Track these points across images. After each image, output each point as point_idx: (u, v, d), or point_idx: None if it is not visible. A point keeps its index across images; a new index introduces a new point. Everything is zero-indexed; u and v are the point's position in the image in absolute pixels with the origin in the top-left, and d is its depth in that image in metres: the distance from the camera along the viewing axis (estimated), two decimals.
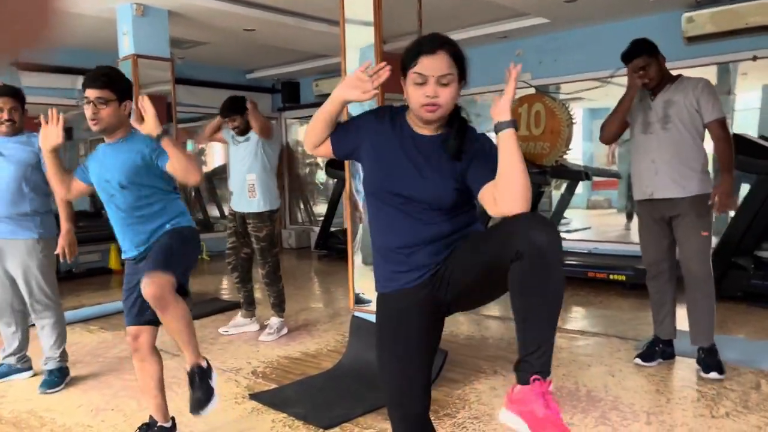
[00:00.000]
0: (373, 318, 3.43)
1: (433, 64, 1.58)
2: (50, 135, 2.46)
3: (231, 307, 5.12)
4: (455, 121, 1.67)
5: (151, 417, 2.60)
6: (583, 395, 3.06)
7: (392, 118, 1.74)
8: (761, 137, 5.31)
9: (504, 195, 1.51)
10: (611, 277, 5.40)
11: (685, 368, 3.38)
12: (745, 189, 5.93)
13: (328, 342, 4.17)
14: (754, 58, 5.35)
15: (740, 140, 4.45)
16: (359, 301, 3.53)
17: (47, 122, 2.46)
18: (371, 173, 1.73)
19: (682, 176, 3.22)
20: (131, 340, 2.51)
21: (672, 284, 3.43)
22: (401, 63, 1.65)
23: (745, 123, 7.07)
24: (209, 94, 7.79)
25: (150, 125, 2.36)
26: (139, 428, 2.63)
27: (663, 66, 3.28)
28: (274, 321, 4.36)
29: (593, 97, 7.56)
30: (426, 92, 1.59)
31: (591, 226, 9.01)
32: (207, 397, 2.41)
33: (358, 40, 3.43)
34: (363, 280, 3.49)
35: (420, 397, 1.76)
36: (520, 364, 1.46)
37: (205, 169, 9.55)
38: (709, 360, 3.24)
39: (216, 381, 2.50)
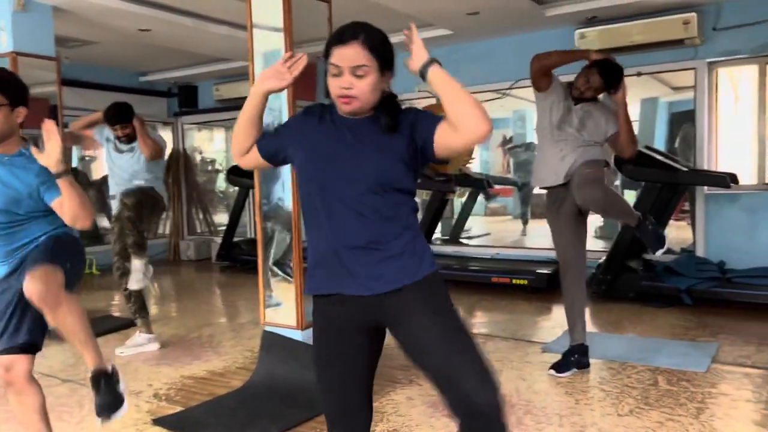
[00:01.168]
0: (285, 332, 3.32)
1: (345, 55, 1.55)
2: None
3: (126, 325, 4.78)
4: (385, 103, 1.63)
5: (99, 367, 2.32)
6: None
7: (322, 113, 1.69)
8: (646, 147, 5.69)
9: (462, 116, 1.48)
10: (514, 281, 5.57)
11: (591, 369, 3.52)
12: (632, 196, 6.35)
13: (236, 359, 3.98)
14: (639, 74, 5.74)
15: None
16: (270, 313, 3.40)
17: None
18: (306, 171, 1.65)
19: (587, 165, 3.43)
20: (3, 372, 2.20)
21: (579, 281, 3.54)
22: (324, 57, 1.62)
23: None
24: (99, 97, 7.28)
25: (52, 158, 2.02)
26: (92, 381, 2.33)
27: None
28: (138, 264, 4.09)
29: (492, 108, 7.81)
30: (341, 84, 1.56)
31: (490, 232, 9.30)
32: (116, 403, 2.21)
33: (266, 45, 3.33)
34: (276, 293, 3.36)
35: (364, 412, 1.70)
36: None
37: (94, 177, 8.94)
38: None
39: (125, 389, 2.32)
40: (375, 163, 1.58)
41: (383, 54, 1.59)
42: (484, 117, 1.47)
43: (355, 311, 1.62)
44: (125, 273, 4.16)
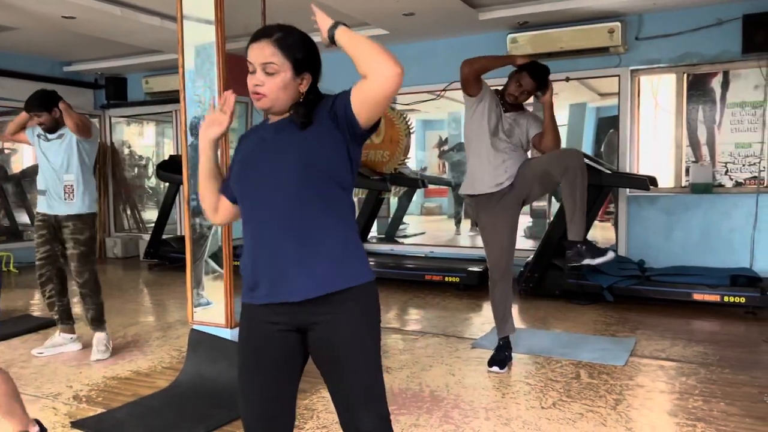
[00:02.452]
0: (213, 330, 3.26)
1: (255, 52, 1.58)
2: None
3: (45, 324, 4.56)
4: (303, 100, 1.61)
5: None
6: (427, 396, 3.15)
7: (251, 132, 1.72)
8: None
9: (370, 66, 1.45)
10: (446, 279, 5.66)
11: (516, 363, 3.63)
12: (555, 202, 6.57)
13: (162, 358, 3.87)
14: (567, 79, 5.95)
15: None
16: (199, 311, 3.32)
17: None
18: (235, 177, 1.65)
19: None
20: None
21: (510, 281, 3.63)
22: None
23: None
24: (18, 86, 6.94)
25: None
26: None
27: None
28: (101, 336, 3.94)
29: (427, 109, 7.92)
30: (253, 80, 1.58)
31: (425, 231, 9.42)
32: None
33: (197, 37, 3.24)
34: (206, 290, 3.29)
35: (287, 419, 1.67)
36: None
37: (14, 170, 8.50)
38: (594, 248, 3.48)
39: None
40: (295, 157, 1.55)
41: (297, 54, 1.57)
42: (391, 58, 1.44)
43: (280, 315, 1.59)
44: (50, 281, 3.95)
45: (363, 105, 1.51)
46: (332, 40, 1.54)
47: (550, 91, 3.50)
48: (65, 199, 3.87)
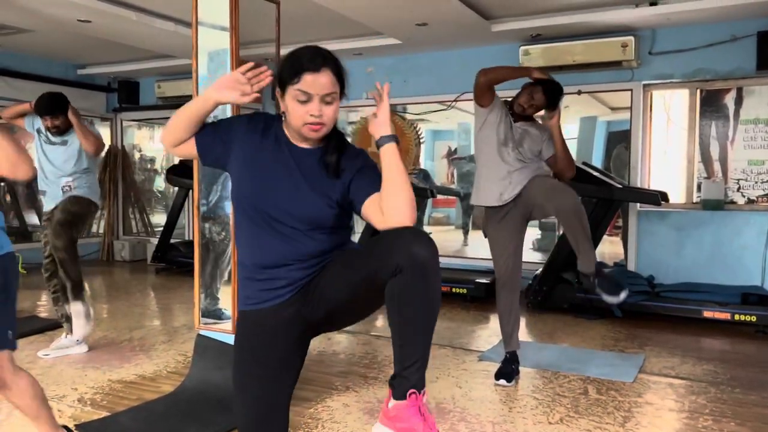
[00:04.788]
0: (220, 336, 3.24)
1: (318, 83, 1.53)
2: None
3: (52, 326, 4.56)
4: (333, 137, 1.62)
5: None
6: (433, 408, 3.12)
7: (267, 128, 1.65)
8: (583, 164, 5.88)
9: (390, 207, 1.49)
10: (454, 290, 5.64)
11: (524, 377, 3.59)
12: None
13: (168, 363, 3.86)
14: (579, 92, 5.94)
15: None
16: (206, 318, 3.31)
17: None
18: (241, 186, 1.62)
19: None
20: None
21: (517, 293, 3.60)
22: (279, 76, 1.57)
23: None
24: (32, 88, 6.97)
25: None
26: None
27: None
28: (79, 307, 3.90)
29: (437, 119, 7.92)
30: (310, 111, 1.53)
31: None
32: None
33: (211, 43, 3.26)
34: (213, 296, 3.28)
35: (281, 424, 1.66)
36: (395, 379, 1.44)
37: None
38: (608, 282, 3.39)
39: None
40: (310, 204, 1.58)
41: (345, 82, 1.60)
42: (411, 214, 1.50)
43: (278, 314, 1.61)
44: (54, 275, 3.97)
45: (365, 216, 1.59)
46: (378, 145, 1.56)
47: (558, 114, 3.45)
48: (63, 193, 3.92)
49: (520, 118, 3.53)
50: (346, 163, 1.60)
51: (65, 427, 2.49)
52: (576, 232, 3.31)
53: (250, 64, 1.58)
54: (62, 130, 3.91)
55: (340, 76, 1.57)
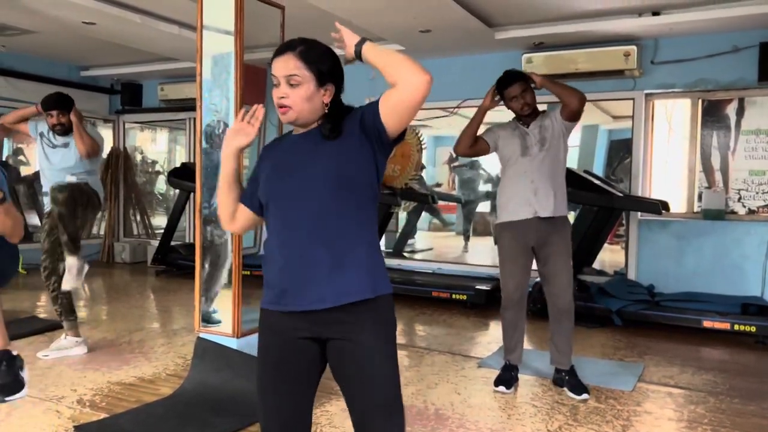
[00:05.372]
0: (220, 339, 3.25)
1: (279, 65, 1.60)
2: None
3: (51, 327, 4.57)
4: (330, 112, 1.64)
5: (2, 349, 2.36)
6: (432, 414, 3.12)
7: (276, 143, 1.73)
8: (585, 171, 5.90)
9: (398, 75, 1.51)
10: (454, 296, 5.63)
11: (523, 385, 3.59)
12: (570, 217, 6.53)
13: (167, 365, 3.86)
14: None
15: (568, 173, 4.90)
16: (206, 321, 3.32)
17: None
18: (263, 187, 1.66)
19: (557, 196, 3.46)
20: None
21: (525, 310, 3.61)
22: None
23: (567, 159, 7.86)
24: (35, 89, 6.99)
25: None
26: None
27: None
28: (73, 261, 3.86)
29: (439, 125, 7.94)
30: (277, 93, 1.60)
31: (433, 247, 9.40)
32: (15, 386, 2.17)
33: (216, 47, 3.27)
34: (212, 299, 3.29)
35: (304, 429, 1.68)
36: None
37: (27, 171, 8.56)
38: (576, 381, 3.46)
39: (27, 377, 2.33)
40: (326, 168, 1.57)
41: (320, 66, 1.60)
42: (419, 67, 1.50)
43: (303, 324, 1.60)
44: (53, 273, 3.98)
45: (393, 113, 1.55)
46: (358, 56, 1.58)
47: (537, 77, 3.45)
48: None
49: (531, 119, 3.52)
50: (347, 123, 1.61)
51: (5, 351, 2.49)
52: (563, 329, 3.50)
53: (242, 111, 1.69)
54: (67, 129, 3.93)
55: (310, 61, 1.59)
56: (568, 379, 3.48)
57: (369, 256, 1.60)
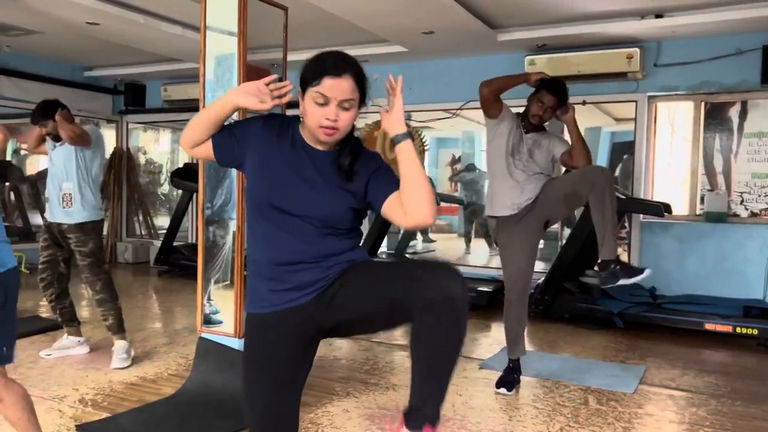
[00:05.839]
0: (222, 340, 3.25)
1: (337, 87, 1.53)
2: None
3: (54, 326, 4.57)
4: (349, 141, 1.63)
5: None
6: None
7: (283, 129, 1.66)
8: None
9: (412, 204, 1.51)
10: None
11: (524, 386, 3.59)
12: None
13: (169, 365, 3.87)
14: (584, 103, 5.94)
15: None
16: (208, 321, 3.32)
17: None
18: (255, 185, 1.63)
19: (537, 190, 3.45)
20: None
21: (527, 304, 3.59)
22: (301, 77, 1.59)
23: None
24: (39, 89, 7.01)
25: None
26: None
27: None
28: (122, 344, 3.88)
29: (441, 127, 7.93)
30: (326, 114, 1.54)
31: (435, 249, 9.39)
32: None
33: (219, 48, 3.28)
34: (215, 299, 3.29)
35: (291, 428, 1.67)
36: (412, 411, 1.45)
37: (30, 171, 8.59)
38: (628, 266, 3.35)
39: None
40: (326, 201, 1.59)
41: (365, 90, 1.60)
42: (432, 210, 1.52)
43: (290, 319, 1.61)
44: (51, 285, 3.96)
45: (387, 215, 1.60)
46: (393, 142, 1.56)
47: (572, 109, 3.44)
48: (63, 207, 3.87)
49: (535, 129, 3.51)
50: (360, 167, 1.60)
51: None
52: (606, 213, 3.22)
53: (275, 77, 1.61)
54: (56, 135, 3.91)
55: (361, 83, 1.57)
56: (620, 268, 3.26)
57: (350, 256, 1.65)
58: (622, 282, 3.25)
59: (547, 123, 3.57)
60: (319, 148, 1.63)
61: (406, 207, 1.52)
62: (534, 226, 3.46)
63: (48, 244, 3.96)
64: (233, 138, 1.65)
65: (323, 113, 1.54)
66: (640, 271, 3.27)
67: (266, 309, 1.63)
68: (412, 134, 1.57)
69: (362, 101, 1.60)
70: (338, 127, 1.56)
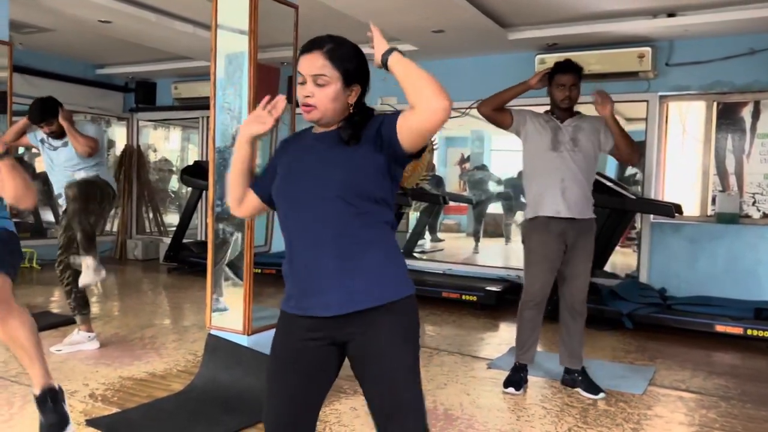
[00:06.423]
0: (231, 336, 3.26)
1: (307, 63, 1.58)
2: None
3: (65, 322, 4.61)
4: (354, 116, 1.62)
5: (47, 386, 2.30)
6: (441, 414, 3.12)
7: (295, 137, 1.73)
8: (597, 173, 5.85)
9: (417, 95, 1.45)
10: (464, 297, 5.63)
11: (532, 386, 3.58)
12: None
13: (178, 362, 3.89)
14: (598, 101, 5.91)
15: None
16: (217, 318, 3.34)
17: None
18: (278, 186, 1.66)
19: (586, 198, 3.41)
20: None
21: (543, 313, 3.55)
22: None
23: None
24: (51, 87, 7.05)
25: None
26: (38, 401, 2.34)
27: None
28: (89, 260, 3.87)
29: (450, 126, 7.91)
30: (303, 92, 1.58)
31: (443, 248, 9.38)
32: (62, 424, 2.16)
33: (230, 46, 3.30)
34: (224, 296, 3.31)
35: (308, 430, 1.68)
36: None
37: (40, 168, 8.64)
38: (590, 381, 3.47)
39: (68, 408, 2.27)
40: (340, 175, 1.55)
41: (347, 66, 1.58)
42: (440, 91, 1.44)
43: (316, 326, 1.59)
44: (68, 267, 4.02)
45: (408, 133, 1.52)
46: (385, 65, 1.53)
47: (611, 103, 3.38)
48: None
49: (568, 115, 3.44)
50: (366, 131, 1.58)
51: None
52: (575, 330, 3.50)
53: (266, 98, 1.65)
54: (59, 133, 3.95)
55: (338, 60, 1.56)
56: (581, 380, 3.47)
57: (380, 262, 1.58)
58: (578, 389, 3.48)
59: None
60: (326, 130, 1.64)
61: (414, 100, 1.46)
62: (563, 243, 3.42)
63: (63, 228, 4.02)
64: (267, 175, 1.71)
65: (301, 91, 1.58)
66: (598, 390, 3.43)
67: (291, 309, 1.62)
68: (398, 49, 1.54)
69: (352, 81, 1.59)
70: (313, 104, 1.57)
